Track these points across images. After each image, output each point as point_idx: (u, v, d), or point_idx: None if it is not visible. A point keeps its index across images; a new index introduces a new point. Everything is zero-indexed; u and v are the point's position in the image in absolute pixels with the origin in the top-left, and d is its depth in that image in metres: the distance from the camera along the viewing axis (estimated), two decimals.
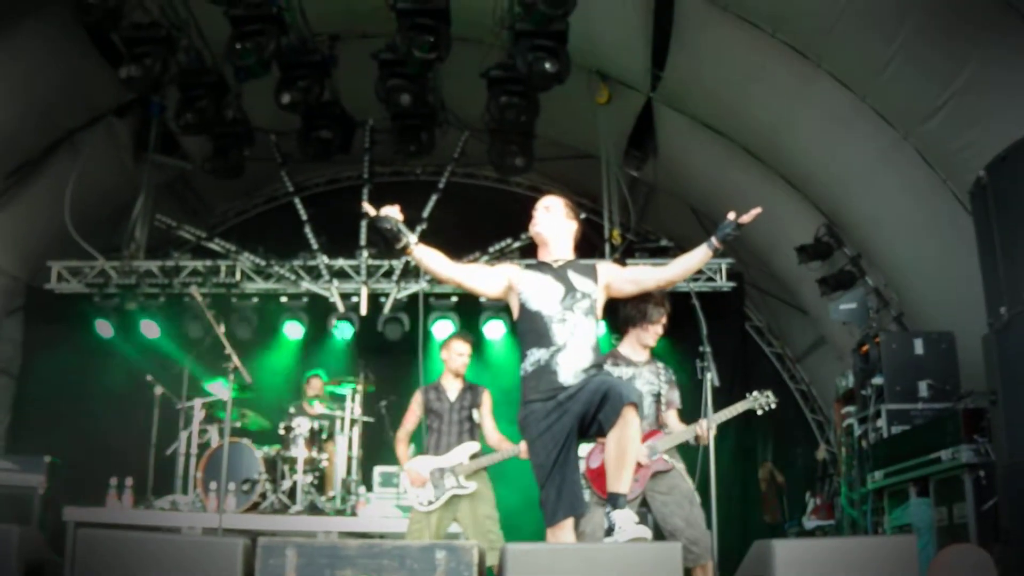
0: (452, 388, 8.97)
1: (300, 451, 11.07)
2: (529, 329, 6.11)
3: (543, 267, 6.27)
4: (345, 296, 13.41)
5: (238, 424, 11.55)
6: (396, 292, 13.31)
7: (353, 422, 11.52)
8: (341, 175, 15.42)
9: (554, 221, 6.37)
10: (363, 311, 13.27)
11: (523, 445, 7.55)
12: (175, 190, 14.76)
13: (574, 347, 5.95)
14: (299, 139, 12.46)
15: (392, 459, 11.17)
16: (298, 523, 10.46)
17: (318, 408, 11.71)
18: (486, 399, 8.98)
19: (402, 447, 9.14)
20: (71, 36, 11.02)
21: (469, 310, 13.43)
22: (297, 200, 13.91)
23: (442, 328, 13.42)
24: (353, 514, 10.71)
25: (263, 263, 13.42)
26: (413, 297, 13.36)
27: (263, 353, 13.58)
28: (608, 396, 5.62)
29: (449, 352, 9.05)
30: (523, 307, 6.13)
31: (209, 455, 11.09)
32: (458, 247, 12.97)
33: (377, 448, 11.63)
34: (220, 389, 11.25)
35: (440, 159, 13.44)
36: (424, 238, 12.87)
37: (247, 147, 12.95)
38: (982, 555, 5.39)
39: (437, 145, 12.55)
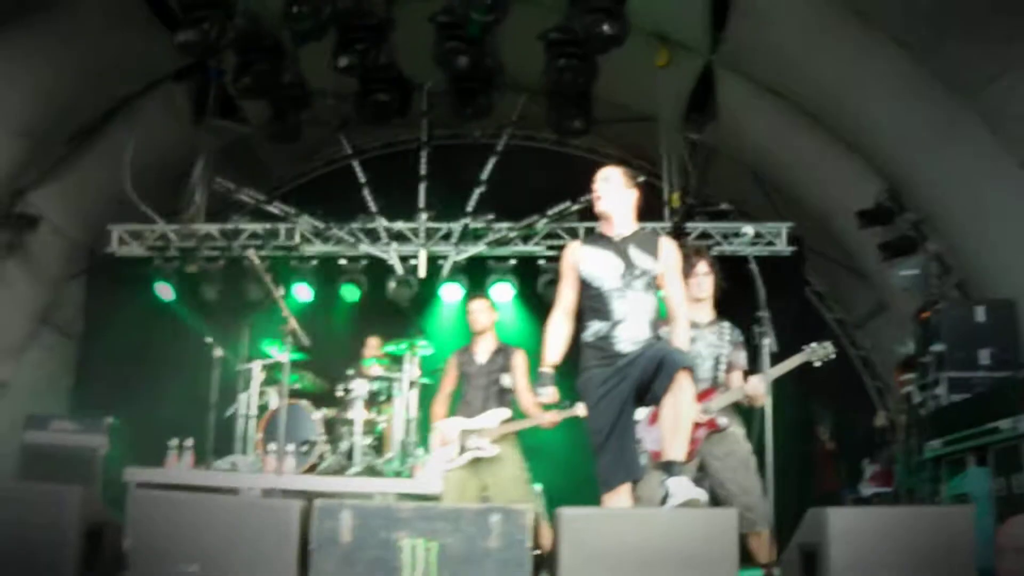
0: (482, 351, 9.01)
1: (358, 413, 11.13)
2: (590, 302, 6.26)
3: (605, 242, 6.38)
4: (404, 259, 13.41)
5: (297, 386, 11.62)
6: (455, 254, 13.29)
7: (411, 384, 11.54)
8: (399, 138, 15.40)
9: (615, 193, 6.42)
10: (422, 273, 13.26)
11: (550, 415, 8.12)
12: (234, 154, 14.80)
13: (633, 321, 6.14)
14: (357, 102, 12.43)
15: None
16: (356, 484, 10.50)
17: (376, 370, 11.76)
18: (519, 362, 8.89)
19: (437, 409, 9.23)
20: (127, 3, 11.07)
21: (527, 271, 13.40)
22: (355, 163, 13.90)
23: (501, 291, 13.41)
24: (411, 476, 10.75)
25: (322, 226, 13.45)
26: (472, 260, 13.37)
27: (322, 315, 13.64)
28: (663, 363, 5.77)
29: (467, 313, 9.17)
30: (584, 282, 6.24)
31: (268, 417, 11.19)
32: (517, 210, 12.99)
33: None
34: (277, 351, 11.33)
35: (498, 122, 13.39)
36: (483, 201, 13.00)
37: (305, 110, 12.96)
38: None
39: (495, 108, 12.48)
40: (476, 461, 8.60)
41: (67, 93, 11.77)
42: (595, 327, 6.18)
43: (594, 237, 6.53)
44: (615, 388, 6.06)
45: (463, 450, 8.62)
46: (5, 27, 10.77)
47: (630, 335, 6.12)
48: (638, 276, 6.20)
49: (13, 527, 5.42)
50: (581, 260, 6.34)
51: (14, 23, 10.80)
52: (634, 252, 6.28)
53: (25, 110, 11.65)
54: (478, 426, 8.66)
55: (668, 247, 6.39)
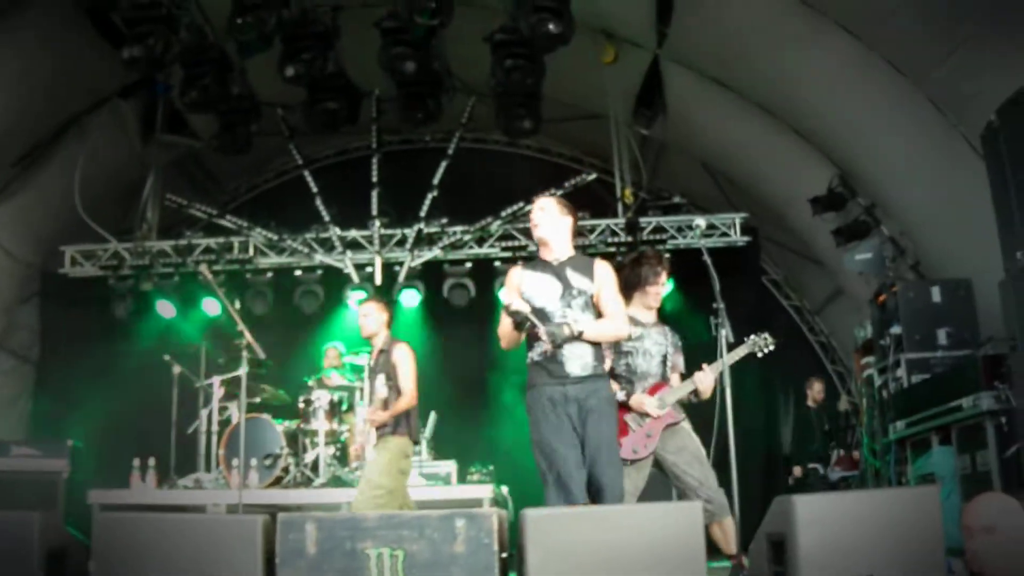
0: (373, 353, 8.93)
1: (320, 423, 11.09)
2: None
3: (544, 265, 6.72)
4: (359, 267, 13.38)
5: (257, 399, 11.56)
6: (410, 260, 13.27)
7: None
8: (350, 146, 15.42)
9: (551, 222, 6.75)
10: (378, 281, 13.23)
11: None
12: (185, 168, 14.76)
13: (575, 341, 6.42)
14: (305, 111, 12.39)
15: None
16: (322, 496, 10.48)
17: (336, 379, 11.72)
18: (397, 358, 8.60)
19: None
20: (72, 20, 11.00)
21: (483, 273, 13.42)
22: (307, 173, 13.84)
23: (458, 295, 13.43)
24: None
25: (276, 238, 13.40)
26: (427, 265, 13.36)
27: (279, 327, 13.58)
28: (599, 493, 6.18)
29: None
30: (528, 303, 6.49)
31: (230, 432, 11.11)
32: (471, 212, 12.99)
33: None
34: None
35: (448, 125, 13.33)
36: (436, 205, 12.96)
37: (254, 122, 12.89)
38: (1010, 502, 5.37)
39: (444, 111, 12.43)
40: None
41: (13, 112, 11.64)
42: (542, 347, 6.44)
43: (534, 262, 6.82)
44: (560, 418, 6.39)
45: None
46: None
47: (576, 355, 6.43)
48: (575, 296, 6.54)
49: None
50: (522, 283, 6.65)
51: None
52: (571, 274, 6.61)
53: None
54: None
55: (602, 269, 6.70)
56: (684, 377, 7.37)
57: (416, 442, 8.83)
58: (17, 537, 5.41)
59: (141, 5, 10.54)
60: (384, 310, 8.91)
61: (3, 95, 11.36)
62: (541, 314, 6.47)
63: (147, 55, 10.56)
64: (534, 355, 6.59)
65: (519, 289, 6.64)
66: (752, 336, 7.40)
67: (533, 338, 6.51)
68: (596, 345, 6.50)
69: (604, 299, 6.61)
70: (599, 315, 6.58)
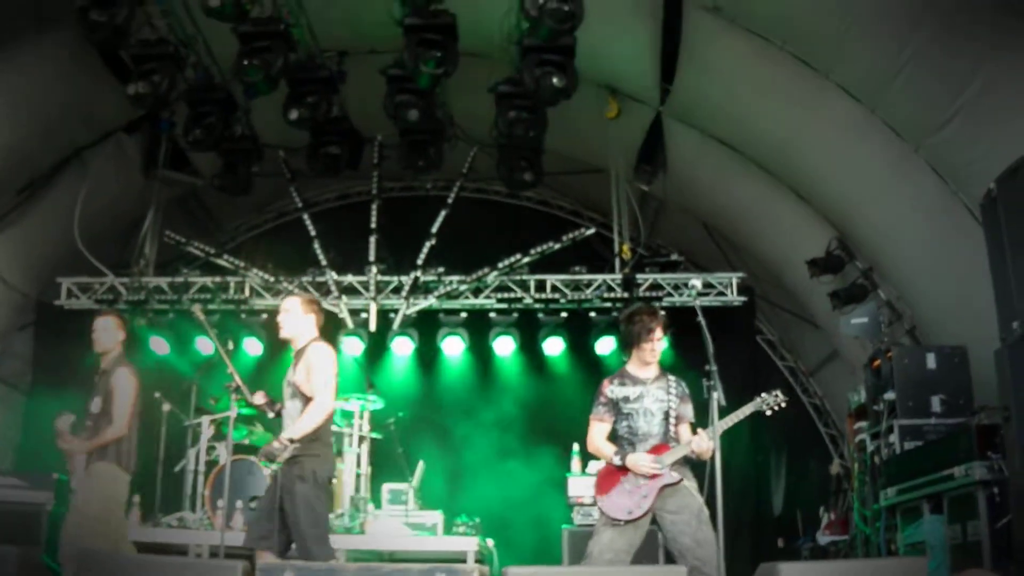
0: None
1: None
2: None
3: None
4: (354, 312, 13.34)
5: (246, 441, 11.51)
6: (406, 308, 13.24)
7: (361, 439, 11.46)
8: (351, 191, 15.45)
9: (293, 322, 7.56)
10: (372, 327, 13.20)
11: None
12: (185, 206, 14.77)
13: (284, 425, 7.35)
14: (308, 155, 12.42)
15: (401, 476, 11.21)
16: None
17: None
18: (116, 381, 8.16)
19: None
20: (80, 54, 11.04)
21: (478, 325, 13.43)
22: (306, 216, 13.84)
23: (452, 344, 13.45)
24: (361, 532, 10.64)
25: (272, 279, 13.38)
26: (423, 313, 13.34)
27: (272, 369, 13.55)
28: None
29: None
30: None
31: (216, 472, 11.05)
32: (468, 262, 12.99)
33: (386, 465, 11.60)
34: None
35: (449, 174, 13.35)
36: (434, 254, 12.96)
37: (256, 163, 12.93)
38: None
39: (446, 160, 12.48)
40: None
41: (17, 142, 11.66)
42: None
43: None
44: (272, 494, 7.16)
45: None
46: None
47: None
48: (288, 386, 7.34)
49: None
50: None
51: None
52: (291, 369, 7.40)
53: None
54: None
55: (309, 352, 7.36)
56: (694, 427, 7.33)
57: (129, 471, 8.14)
58: None
59: (149, 43, 10.63)
60: (121, 328, 8.54)
61: (8, 124, 11.39)
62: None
63: (153, 92, 10.62)
64: None
65: None
66: (763, 394, 7.35)
67: None
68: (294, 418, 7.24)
69: (309, 381, 7.25)
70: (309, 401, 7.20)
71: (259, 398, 7.82)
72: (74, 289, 13.44)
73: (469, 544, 10.18)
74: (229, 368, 8.61)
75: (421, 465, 11.46)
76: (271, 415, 7.75)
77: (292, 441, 6.95)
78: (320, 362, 7.37)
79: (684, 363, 10.20)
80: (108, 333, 8.40)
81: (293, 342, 7.56)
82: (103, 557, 5.87)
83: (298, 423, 7.12)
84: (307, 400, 7.27)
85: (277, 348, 13.30)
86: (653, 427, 7.22)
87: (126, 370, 8.19)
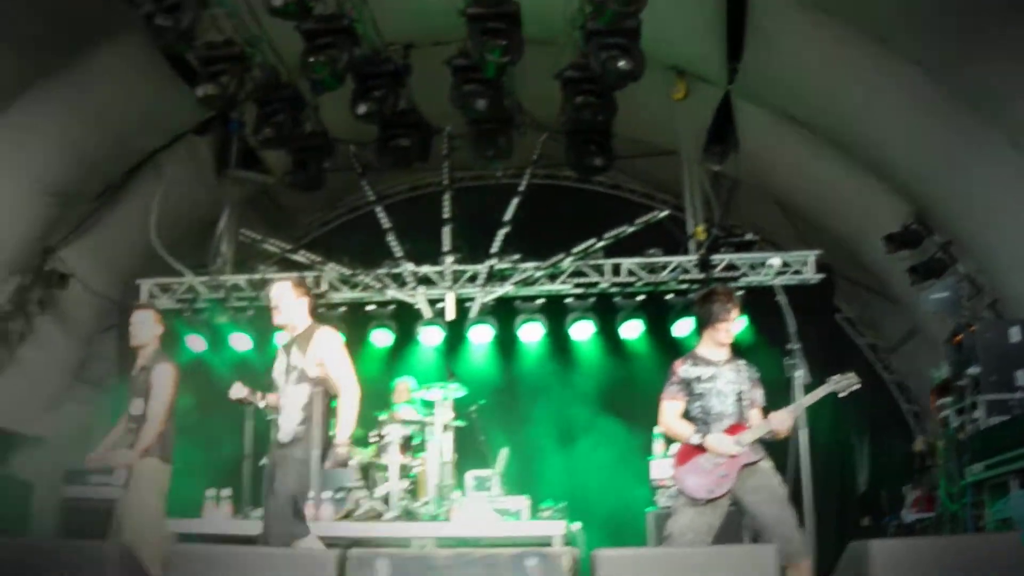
0: (137, 365, 8.41)
1: (393, 457, 11.10)
2: None
3: (285, 343, 7.61)
4: (432, 302, 13.42)
5: (330, 433, 11.58)
6: (482, 296, 13.29)
7: (444, 427, 11.52)
8: (421, 182, 15.50)
9: (287, 307, 7.53)
10: (450, 316, 13.27)
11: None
12: (259, 204, 14.92)
13: (287, 412, 7.27)
14: (378, 148, 12.46)
15: (485, 463, 11.24)
16: (393, 529, 10.47)
17: (408, 414, 11.75)
18: (157, 380, 8.02)
19: None
20: (147, 59, 11.19)
21: (555, 310, 13.45)
22: (379, 209, 13.92)
23: (530, 331, 13.47)
24: (447, 519, 10.70)
25: (348, 273, 13.48)
26: (500, 301, 13.38)
27: (353, 361, 13.67)
28: None
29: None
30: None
31: None
32: (542, 249, 12.98)
33: (469, 452, 11.64)
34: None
35: (520, 162, 13.32)
36: (508, 241, 12.97)
37: (327, 158, 13.01)
38: None
39: (516, 148, 12.48)
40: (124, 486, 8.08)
41: (92, 150, 11.94)
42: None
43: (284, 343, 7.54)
44: (270, 483, 7.22)
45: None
46: (32, 86, 10.93)
47: (283, 424, 7.21)
48: (291, 371, 7.21)
49: None
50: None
51: (39, 83, 10.96)
52: (294, 351, 7.36)
53: (53, 168, 11.82)
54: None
55: (319, 339, 7.35)
56: (766, 411, 7.29)
57: (170, 462, 8.12)
58: (97, 567, 5.46)
59: (215, 44, 10.71)
60: (159, 322, 8.40)
61: (81, 133, 11.65)
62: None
63: (221, 93, 10.71)
64: None
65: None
66: (836, 375, 7.29)
67: None
68: (303, 409, 7.24)
69: (327, 367, 7.30)
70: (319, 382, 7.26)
71: (237, 391, 7.83)
72: (154, 290, 13.64)
73: (555, 528, 10.18)
74: None
75: (505, 451, 11.49)
76: (261, 405, 7.78)
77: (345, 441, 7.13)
78: (337, 349, 7.46)
79: (762, 343, 10.14)
80: (146, 327, 8.30)
81: (289, 328, 7.57)
82: (195, 551, 5.96)
83: (344, 419, 7.23)
84: (315, 384, 7.31)
85: (356, 341, 13.49)
86: (727, 407, 7.19)
87: (166, 366, 8.12)
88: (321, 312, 13.35)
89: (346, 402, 7.27)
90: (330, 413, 7.52)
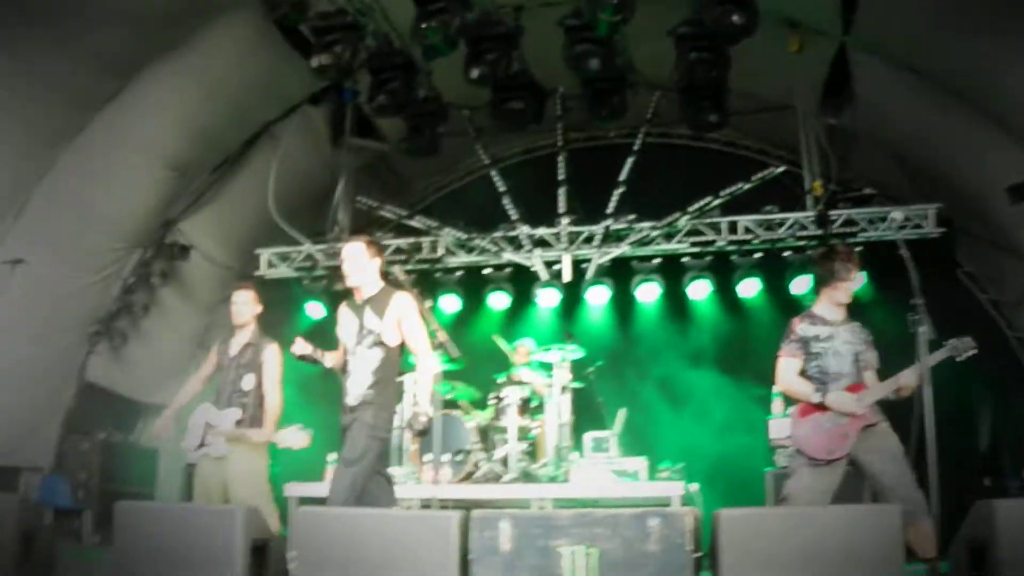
0: (236, 343, 8.74)
1: (511, 419, 11.20)
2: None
3: (353, 303, 7.50)
4: (548, 264, 13.44)
5: (448, 396, 11.72)
6: (599, 257, 13.27)
7: (563, 388, 11.56)
8: (536, 144, 15.45)
9: (360, 269, 7.43)
10: (566, 277, 13.28)
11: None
12: (374, 171, 15.06)
13: (355, 375, 7.25)
14: (492, 111, 12.49)
15: (603, 424, 11.26)
16: (512, 491, 10.58)
17: (526, 376, 11.81)
18: (268, 358, 8.53)
19: (187, 387, 9.07)
20: (261, 32, 11.37)
21: (672, 270, 13.40)
22: (494, 172, 13.97)
23: (646, 291, 13.44)
24: (566, 480, 10.76)
25: (465, 237, 13.56)
26: (616, 261, 13.35)
27: (470, 325, 13.82)
28: None
29: (231, 304, 8.91)
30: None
31: None
32: (658, 208, 12.91)
33: (587, 413, 11.67)
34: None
35: (633, 121, 13.25)
36: (623, 201, 12.93)
37: (441, 123, 13.09)
38: None
39: (629, 107, 12.41)
40: (220, 459, 8.27)
41: (210, 123, 12.19)
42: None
43: (350, 300, 7.46)
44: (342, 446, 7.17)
45: (201, 445, 8.40)
46: (149, 62, 11.16)
47: (352, 388, 7.18)
48: (365, 334, 7.14)
49: (183, 546, 5.60)
50: (338, 322, 7.51)
51: (157, 59, 11.18)
52: (367, 314, 7.27)
53: (171, 142, 12.08)
54: (216, 423, 8.35)
55: (397, 303, 7.26)
56: (880, 374, 7.21)
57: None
58: (224, 529, 5.60)
59: (327, 15, 10.84)
60: (258, 302, 8.84)
61: (199, 107, 11.88)
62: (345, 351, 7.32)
63: (335, 62, 10.86)
64: None
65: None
66: (952, 340, 7.18)
67: None
68: (374, 373, 7.19)
69: (404, 331, 7.25)
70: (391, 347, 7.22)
71: (300, 347, 7.82)
72: (273, 259, 13.89)
73: (674, 489, 10.19)
74: (433, 325, 8.76)
75: (623, 412, 11.50)
76: (326, 365, 7.77)
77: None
78: (415, 315, 7.45)
79: (881, 299, 9.98)
80: (248, 306, 8.80)
81: (360, 290, 7.47)
82: (322, 513, 6.07)
83: (423, 388, 7.26)
84: (388, 350, 7.31)
85: (473, 305, 13.59)
86: (844, 368, 7.13)
87: (274, 347, 8.60)
88: (437, 277, 13.60)
89: (426, 369, 7.31)
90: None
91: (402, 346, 7.49)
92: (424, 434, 7.01)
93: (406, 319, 7.32)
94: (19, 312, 11.46)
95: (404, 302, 7.43)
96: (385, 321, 7.28)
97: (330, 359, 7.67)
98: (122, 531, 5.89)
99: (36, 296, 11.75)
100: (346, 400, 7.20)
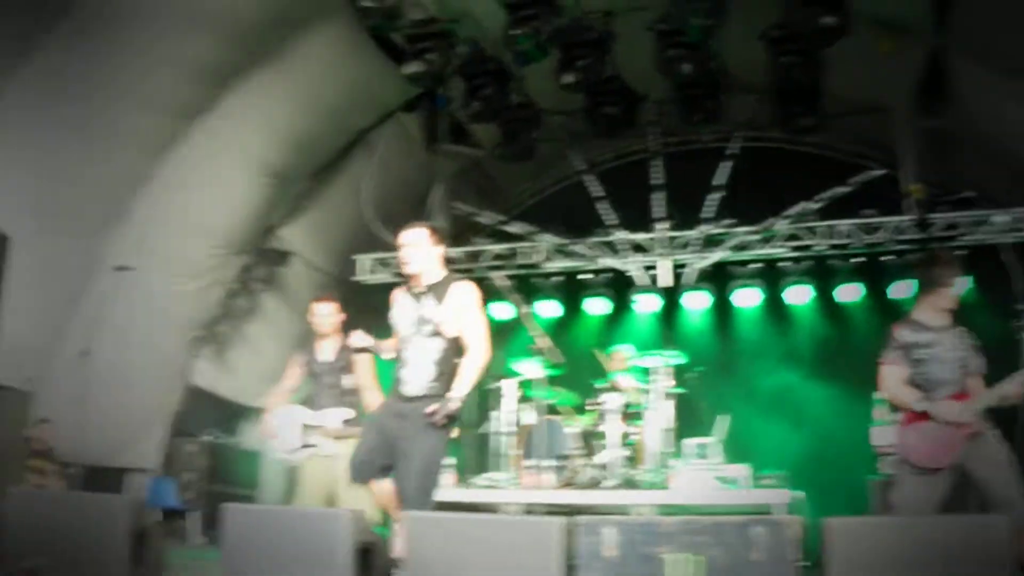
0: (326, 349, 8.76)
1: (611, 425, 11.19)
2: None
3: (410, 290, 7.09)
4: (645, 269, 13.46)
5: (550, 401, 11.76)
6: (697, 262, 13.24)
7: (664, 394, 11.55)
8: (628, 149, 15.43)
9: (422, 256, 7.04)
10: (664, 283, 13.27)
11: None
12: (468, 177, 15.16)
13: (413, 363, 6.87)
14: (585, 117, 12.53)
15: (704, 431, 11.21)
16: (612, 497, 10.56)
17: (625, 382, 11.82)
18: (362, 359, 8.55)
19: (272, 400, 8.94)
20: (355, 41, 11.55)
21: (770, 275, 13.32)
22: (589, 177, 13.99)
23: (745, 296, 13.38)
24: (667, 487, 10.74)
25: (562, 242, 13.60)
26: (715, 266, 13.34)
27: (568, 330, 13.87)
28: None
29: (312, 315, 8.85)
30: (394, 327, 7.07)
31: (524, 433, 11.36)
32: (753, 213, 12.83)
33: (688, 419, 11.64)
34: (529, 368, 11.48)
35: (727, 125, 13.24)
36: (721, 206, 12.88)
37: (535, 129, 13.16)
38: None
39: (723, 111, 12.37)
40: (326, 459, 8.27)
41: (306, 131, 12.39)
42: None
43: (408, 286, 7.12)
44: (386, 431, 6.79)
45: (304, 446, 8.39)
46: (246, 73, 11.37)
47: (412, 378, 6.81)
48: (424, 323, 6.84)
49: (289, 548, 5.71)
50: (392, 307, 7.11)
51: (254, 69, 11.38)
52: (427, 302, 6.90)
53: (269, 150, 12.30)
54: (319, 423, 8.37)
55: (458, 292, 6.92)
56: (986, 379, 7.09)
57: None
58: (328, 533, 5.69)
59: (420, 22, 10.96)
60: (341, 311, 8.92)
61: (296, 116, 12.09)
62: (400, 339, 6.96)
63: (428, 70, 11.02)
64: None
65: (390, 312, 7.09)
66: None
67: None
68: (436, 364, 6.83)
69: (461, 321, 6.86)
70: (451, 339, 6.85)
71: (360, 339, 7.55)
72: (372, 264, 14.07)
73: (777, 496, 10.10)
74: (534, 330, 8.80)
75: (725, 418, 11.44)
76: (384, 356, 7.66)
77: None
78: (475, 306, 7.11)
79: (984, 303, 9.85)
80: (332, 317, 8.84)
81: (419, 278, 7.08)
82: (427, 518, 6.14)
83: (466, 375, 6.78)
84: (449, 340, 7.00)
85: (572, 310, 13.63)
86: (948, 375, 7.00)
87: (366, 355, 8.51)
88: (535, 282, 13.66)
89: (474, 361, 6.91)
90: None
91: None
92: (452, 420, 6.84)
93: (466, 308, 6.98)
94: (125, 318, 11.69)
95: (465, 291, 7.13)
96: (445, 310, 6.96)
97: (387, 349, 7.56)
98: (230, 532, 6.01)
99: (142, 302, 12.00)
100: (403, 389, 6.87)
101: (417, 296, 6.93)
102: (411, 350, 6.90)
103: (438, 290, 6.90)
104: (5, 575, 6.27)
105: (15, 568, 6.23)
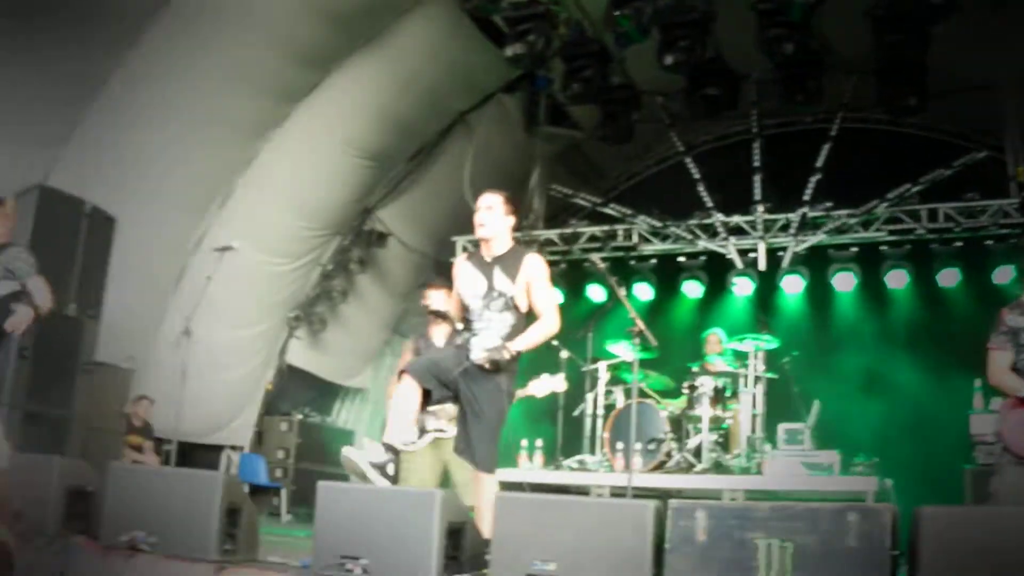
0: (439, 334, 8.73)
1: (704, 409, 11.13)
2: (465, 314, 7.01)
3: (478, 260, 6.98)
4: (743, 252, 13.34)
5: (641, 384, 11.71)
6: (795, 246, 13.09)
7: (757, 379, 11.46)
8: (730, 130, 15.29)
9: (496, 221, 6.90)
10: (761, 266, 13.15)
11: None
12: (567, 159, 15.14)
13: (484, 334, 6.80)
14: (686, 98, 12.45)
15: (797, 416, 11.09)
16: (703, 481, 10.52)
17: (720, 365, 11.74)
18: None
19: (390, 389, 8.85)
20: (455, 23, 11.60)
21: (869, 258, 13.18)
22: (688, 159, 13.91)
23: (842, 280, 13.20)
24: (758, 472, 10.66)
25: (659, 224, 13.54)
26: (812, 250, 13.15)
27: (664, 313, 13.80)
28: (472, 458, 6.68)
29: (425, 299, 8.71)
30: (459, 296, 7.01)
31: (615, 415, 11.35)
32: (853, 195, 12.65)
33: (781, 405, 11.53)
34: (624, 350, 11.44)
35: (828, 105, 13.03)
36: (819, 188, 12.71)
37: (635, 111, 13.10)
38: None
39: (825, 91, 12.19)
40: (436, 441, 8.22)
41: (406, 113, 12.48)
42: (463, 336, 6.92)
43: (474, 254, 7.05)
44: (455, 377, 6.73)
45: (423, 431, 8.30)
46: (346, 57, 11.47)
47: (482, 349, 6.68)
48: (495, 296, 6.78)
49: (381, 527, 5.77)
50: (457, 276, 7.02)
51: (354, 54, 11.48)
52: (497, 274, 6.81)
53: (369, 132, 12.41)
54: (438, 407, 8.30)
55: (530, 264, 6.82)
56: None
57: None
58: (419, 513, 5.73)
59: (520, 4, 10.93)
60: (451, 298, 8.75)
61: (395, 98, 12.19)
62: (467, 309, 6.90)
63: (529, 52, 10.97)
64: (457, 340, 7.09)
65: (456, 281, 7.01)
66: None
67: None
68: (505, 336, 6.73)
69: (532, 292, 6.78)
70: (522, 313, 6.80)
71: (439, 301, 7.81)
72: (469, 246, 14.06)
73: (868, 484, 9.95)
74: (631, 313, 8.74)
75: (817, 404, 11.30)
76: (458, 327, 7.54)
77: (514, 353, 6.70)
78: (546, 278, 7.02)
79: None
80: (443, 304, 8.67)
81: (490, 243, 6.97)
82: (518, 498, 6.16)
83: (531, 335, 6.75)
84: (519, 314, 6.90)
85: (667, 293, 13.56)
86: None
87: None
88: (632, 264, 13.63)
89: (543, 328, 6.83)
90: None
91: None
92: (495, 365, 6.79)
93: (536, 281, 6.88)
94: (223, 298, 11.85)
95: (536, 263, 7.02)
96: (517, 284, 6.86)
97: (455, 316, 7.51)
98: (323, 510, 6.08)
99: (240, 282, 12.19)
100: (471, 355, 6.77)
101: (486, 267, 6.87)
102: (480, 324, 6.88)
103: (506, 262, 6.83)
104: (105, 548, 6.43)
105: (114, 541, 6.37)
